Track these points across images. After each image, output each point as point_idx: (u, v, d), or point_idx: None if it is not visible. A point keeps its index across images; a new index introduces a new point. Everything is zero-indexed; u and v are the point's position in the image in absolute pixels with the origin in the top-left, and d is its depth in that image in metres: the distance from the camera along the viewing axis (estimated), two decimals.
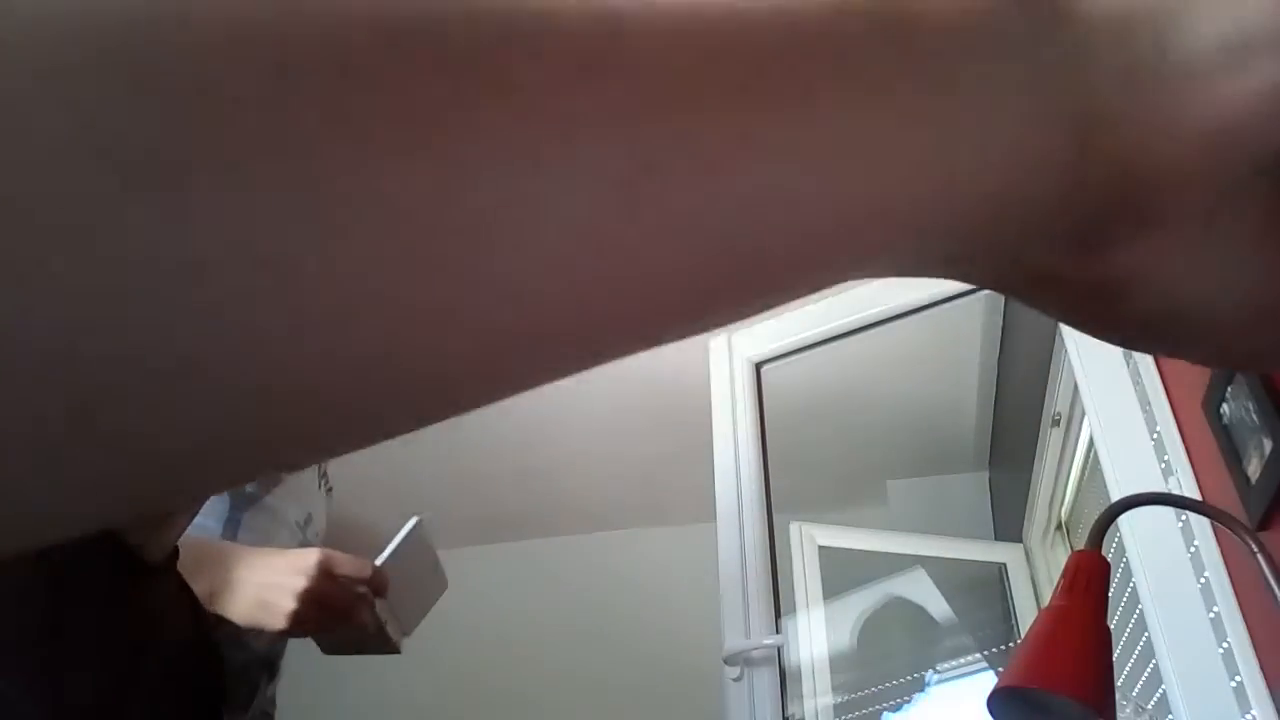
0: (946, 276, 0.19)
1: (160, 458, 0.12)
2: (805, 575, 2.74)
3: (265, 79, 0.11)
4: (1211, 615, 1.25)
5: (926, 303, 1.88)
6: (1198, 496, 1.25)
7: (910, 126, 0.15)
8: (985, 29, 0.16)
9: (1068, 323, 0.20)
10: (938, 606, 2.97)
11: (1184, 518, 1.35)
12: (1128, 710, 1.61)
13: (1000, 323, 2.90)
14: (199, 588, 0.87)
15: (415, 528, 1.04)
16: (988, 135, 0.16)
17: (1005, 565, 3.02)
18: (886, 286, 1.91)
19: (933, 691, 2.88)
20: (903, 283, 1.90)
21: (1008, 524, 3.25)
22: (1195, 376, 1.22)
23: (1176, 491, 1.31)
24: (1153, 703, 1.64)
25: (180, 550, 0.80)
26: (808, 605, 2.69)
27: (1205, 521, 1.27)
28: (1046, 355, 2.19)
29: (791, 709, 1.87)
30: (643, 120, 0.13)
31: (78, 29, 0.11)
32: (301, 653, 1.15)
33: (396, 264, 0.12)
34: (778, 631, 1.79)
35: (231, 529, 1.00)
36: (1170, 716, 1.32)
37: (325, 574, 0.91)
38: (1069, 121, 0.16)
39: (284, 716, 1.14)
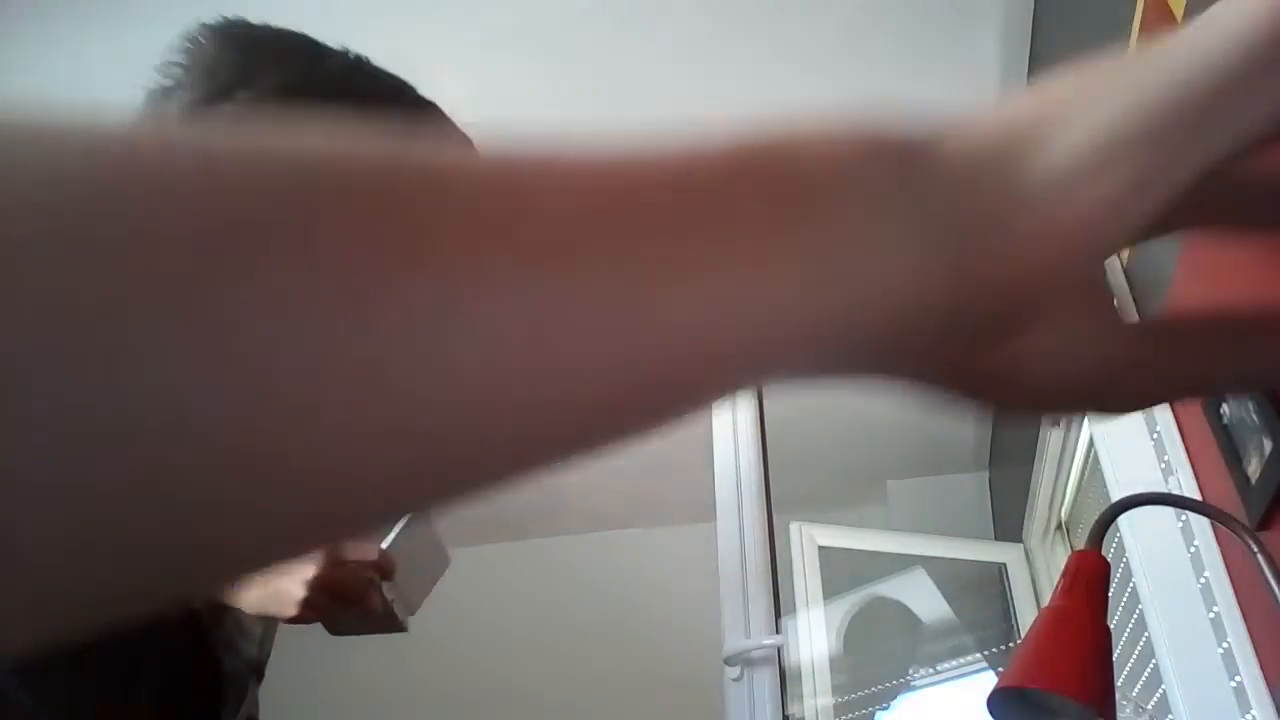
0: (872, 375, 0.22)
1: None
2: (805, 575, 2.74)
3: (187, 251, 0.12)
4: (1211, 615, 1.25)
5: None
6: (1198, 496, 1.25)
7: (791, 268, 0.17)
8: (857, 186, 0.18)
9: (972, 406, 0.23)
10: (938, 606, 2.97)
11: (1184, 518, 1.35)
12: (1128, 710, 1.61)
13: None
14: None
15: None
16: (869, 274, 0.18)
17: (1005, 565, 3.02)
18: None
19: (919, 690, 2.88)
20: None
21: (1008, 524, 3.25)
22: None
23: (1176, 491, 1.31)
24: (1153, 703, 1.64)
25: None
26: (808, 605, 2.69)
27: (1205, 521, 1.27)
28: None
29: (791, 709, 1.87)
30: (542, 267, 0.15)
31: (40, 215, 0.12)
32: (305, 652, 1.15)
33: (316, 414, 0.13)
34: (778, 631, 1.78)
35: None
36: (1170, 716, 1.32)
37: (333, 560, 0.92)
38: (944, 256, 0.19)
39: (289, 716, 1.14)
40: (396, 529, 1.04)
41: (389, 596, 0.98)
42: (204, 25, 0.60)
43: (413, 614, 1.07)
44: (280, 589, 0.90)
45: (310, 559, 0.90)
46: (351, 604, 0.95)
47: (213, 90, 0.56)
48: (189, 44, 0.60)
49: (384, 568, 0.97)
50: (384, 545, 0.99)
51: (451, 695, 3.48)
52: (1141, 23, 1.32)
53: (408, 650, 2.37)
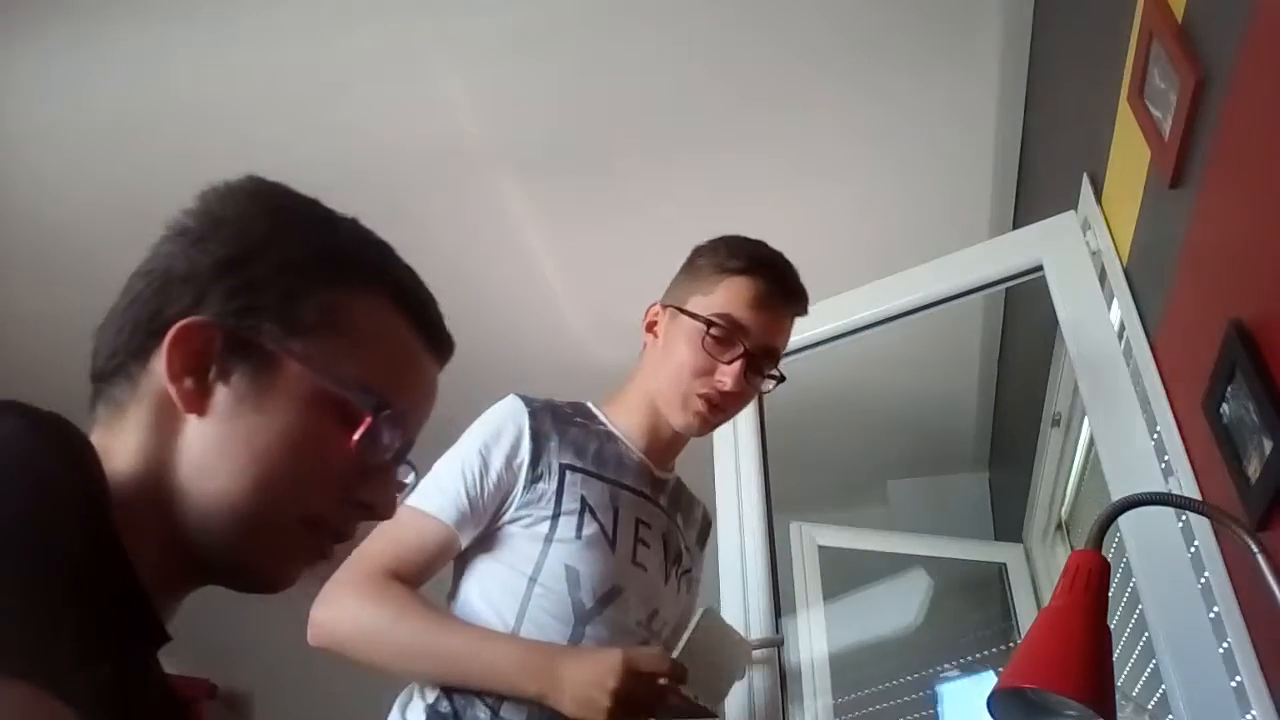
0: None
1: None
2: (805, 575, 2.74)
3: None
4: (1211, 615, 1.25)
5: (926, 302, 1.87)
6: (1198, 496, 1.25)
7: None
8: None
9: None
10: (938, 606, 2.97)
11: (1184, 518, 1.35)
12: (1128, 710, 1.61)
13: (1000, 323, 2.90)
14: (532, 688, 1.10)
15: (702, 617, 1.19)
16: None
17: (1005, 565, 3.02)
18: (886, 286, 1.91)
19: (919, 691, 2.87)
20: (903, 282, 1.90)
21: (1008, 524, 3.25)
22: (1195, 376, 1.22)
23: (1176, 491, 1.30)
24: (1153, 703, 1.63)
25: (513, 657, 1.13)
26: (808, 605, 2.69)
27: (1205, 521, 1.27)
28: (1046, 355, 2.19)
29: (792, 709, 1.87)
30: None
31: None
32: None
33: None
34: (778, 631, 1.78)
35: (575, 641, 1.18)
36: (1170, 716, 1.32)
37: (630, 673, 1.07)
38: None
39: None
40: (685, 638, 1.16)
41: (690, 694, 1.12)
42: (230, 184, 0.67)
43: (721, 700, 1.21)
44: (590, 698, 1.07)
45: (611, 671, 1.07)
46: (650, 708, 1.10)
47: (243, 251, 0.63)
48: (217, 198, 0.66)
49: (675, 674, 1.10)
50: (675, 654, 1.12)
51: None
52: (1141, 23, 1.32)
53: None
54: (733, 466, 1.95)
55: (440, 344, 0.71)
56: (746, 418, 1.98)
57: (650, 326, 1.37)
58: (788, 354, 2.02)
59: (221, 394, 0.61)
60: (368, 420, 0.63)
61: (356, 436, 0.63)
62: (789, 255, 1.34)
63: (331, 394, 0.62)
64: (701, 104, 2.24)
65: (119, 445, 0.60)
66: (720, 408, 1.29)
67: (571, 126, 2.29)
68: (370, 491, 0.65)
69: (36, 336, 2.73)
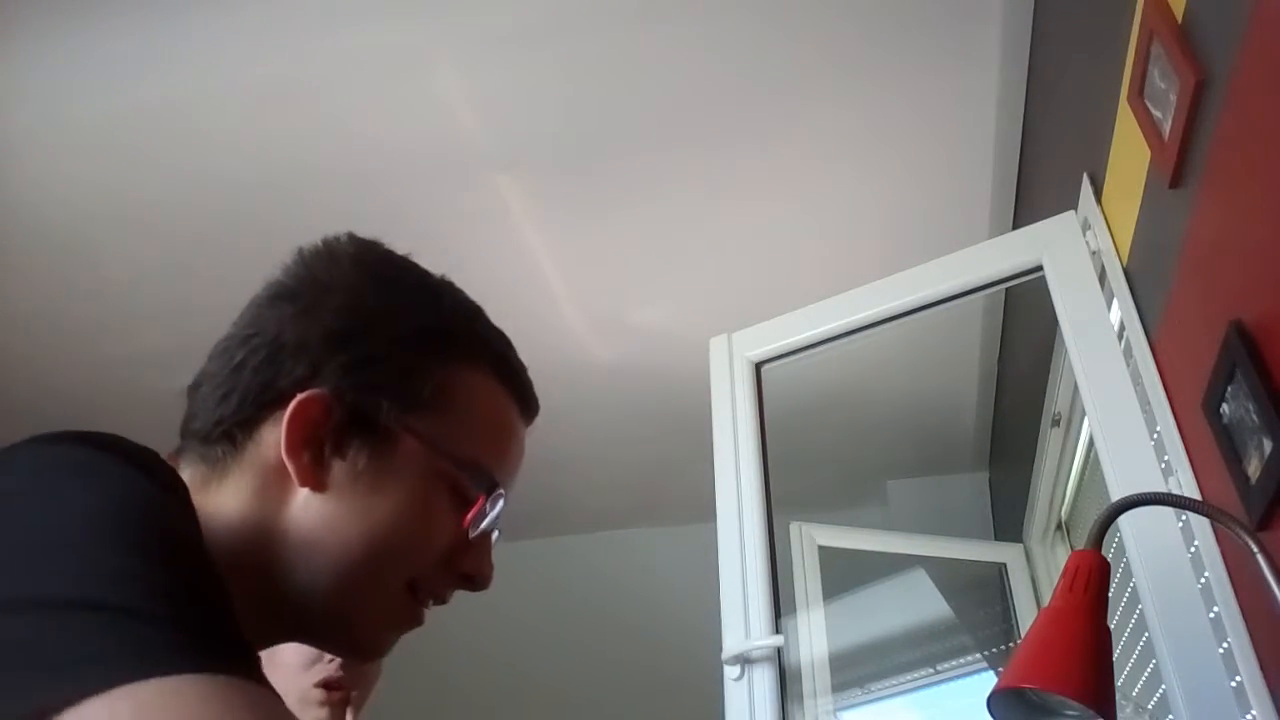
0: None
1: None
2: (805, 575, 2.73)
3: None
4: (1211, 615, 1.25)
5: (926, 302, 1.87)
6: (1198, 496, 1.25)
7: None
8: None
9: None
10: (938, 606, 2.96)
11: (1184, 518, 1.35)
12: (1128, 710, 1.61)
13: (1000, 323, 2.90)
14: None
15: None
16: None
17: (1005, 565, 3.02)
18: (886, 286, 1.90)
19: (919, 691, 2.87)
20: (903, 282, 1.90)
21: (1008, 524, 3.24)
22: (1195, 376, 1.22)
23: (1176, 491, 1.30)
24: (1153, 703, 1.63)
25: None
26: (808, 605, 2.69)
27: (1205, 521, 1.27)
28: (1046, 355, 2.19)
29: (791, 709, 1.87)
30: None
31: None
32: None
33: None
34: (778, 631, 1.78)
35: None
36: (1170, 716, 1.32)
37: None
38: None
39: None
40: None
41: None
42: (331, 246, 0.67)
43: None
44: None
45: None
46: None
47: (357, 324, 0.63)
48: (319, 261, 0.66)
49: None
50: None
51: (450, 694, 3.48)
52: (1141, 23, 1.31)
53: (406, 648, 2.34)
54: (733, 466, 1.95)
55: (532, 409, 0.72)
56: (746, 417, 1.98)
57: None
58: (788, 354, 2.02)
59: (338, 469, 0.60)
60: (480, 501, 0.64)
61: (470, 516, 0.64)
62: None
63: (447, 473, 0.63)
64: (700, 102, 2.24)
65: (214, 503, 0.59)
66: None
67: (571, 125, 2.29)
68: (471, 563, 0.65)
69: (29, 336, 2.74)
